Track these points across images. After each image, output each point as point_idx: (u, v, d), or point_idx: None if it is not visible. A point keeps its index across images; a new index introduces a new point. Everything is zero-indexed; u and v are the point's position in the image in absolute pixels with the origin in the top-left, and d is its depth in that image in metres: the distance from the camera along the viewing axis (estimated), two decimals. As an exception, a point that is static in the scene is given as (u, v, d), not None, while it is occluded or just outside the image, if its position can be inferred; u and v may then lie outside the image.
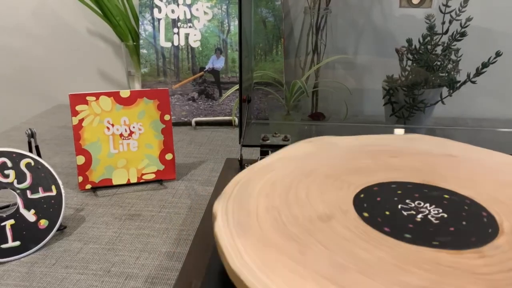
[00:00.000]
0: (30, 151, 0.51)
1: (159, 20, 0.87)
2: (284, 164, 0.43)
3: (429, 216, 0.34)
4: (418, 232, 0.32)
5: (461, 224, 0.33)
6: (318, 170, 0.42)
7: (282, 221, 0.33)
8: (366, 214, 0.34)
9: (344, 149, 0.47)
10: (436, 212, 0.35)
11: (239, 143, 0.59)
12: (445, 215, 0.35)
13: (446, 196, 0.38)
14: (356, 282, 0.26)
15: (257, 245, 0.30)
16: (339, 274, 0.27)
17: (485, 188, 0.39)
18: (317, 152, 0.46)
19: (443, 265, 0.28)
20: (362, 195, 0.37)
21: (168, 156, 0.62)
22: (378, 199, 0.36)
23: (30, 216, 0.47)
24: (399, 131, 0.53)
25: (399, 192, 0.38)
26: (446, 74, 0.76)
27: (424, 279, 0.26)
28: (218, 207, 0.35)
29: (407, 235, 0.31)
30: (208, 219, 0.44)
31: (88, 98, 0.58)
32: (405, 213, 0.34)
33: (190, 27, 0.87)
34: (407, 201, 0.36)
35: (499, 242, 0.31)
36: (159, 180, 0.62)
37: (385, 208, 0.35)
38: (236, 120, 0.86)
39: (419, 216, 0.34)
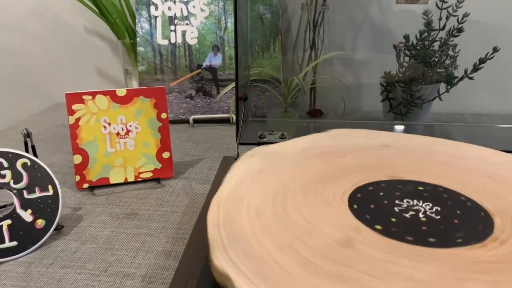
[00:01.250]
0: (27, 151, 0.51)
1: (155, 17, 0.87)
2: (248, 188, 0.39)
3: (428, 214, 0.34)
4: (436, 232, 0.32)
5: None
6: (287, 187, 0.39)
7: (306, 259, 0.29)
8: (379, 227, 0.32)
9: (290, 158, 0.45)
10: (431, 208, 0.35)
11: (236, 141, 0.59)
12: (440, 212, 0.35)
13: (429, 189, 0.38)
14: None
15: None
16: None
17: (453, 173, 0.40)
18: (267, 166, 0.43)
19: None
20: (355, 206, 0.36)
21: (165, 155, 0.62)
22: (372, 206, 0.36)
23: (27, 216, 0.47)
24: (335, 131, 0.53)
25: (382, 193, 0.38)
26: (444, 70, 0.76)
27: (485, 283, 0.26)
28: (225, 266, 0.28)
29: (431, 239, 0.31)
30: (204, 219, 0.44)
31: (84, 97, 0.58)
32: (408, 215, 0.34)
33: (187, 24, 0.87)
34: (397, 201, 0.36)
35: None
36: (156, 179, 0.62)
37: (387, 215, 0.34)
38: (234, 117, 0.86)
39: (421, 215, 0.34)
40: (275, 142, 0.56)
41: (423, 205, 0.36)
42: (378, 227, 0.33)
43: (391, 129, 0.80)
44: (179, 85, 0.88)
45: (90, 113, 0.58)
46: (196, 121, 0.87)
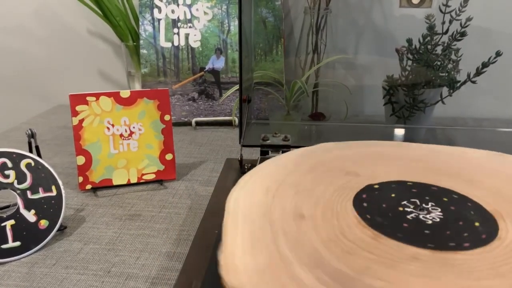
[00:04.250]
0: (30, 151, 0.51)
1: (159, 20, 0.87)
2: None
3: (433, 216, 0.34)
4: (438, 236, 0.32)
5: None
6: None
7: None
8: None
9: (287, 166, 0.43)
10: (435, 212, 0.35)
11: (239, 143, 0.59)
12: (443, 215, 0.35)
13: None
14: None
15: None
16: None
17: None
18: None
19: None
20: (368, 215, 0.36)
21: (168, 156, 0.62)
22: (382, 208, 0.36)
23: (30, 216, 0.47)
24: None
25: (385, 205, 0.38)
26: (446, 74, 0.76)
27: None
28: None
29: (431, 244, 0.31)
30: (208, 219, 0.44)
31: (88, 98, 0.58)
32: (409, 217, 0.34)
33: (190, 27, 0.87)
34: (400, 207, 0.36)
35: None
36: (159, 180, 0.62)
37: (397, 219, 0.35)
38: (236, 120, 0.86)
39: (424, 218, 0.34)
40: (279, 144, 0.56)
41: (428, 207, 0.36)
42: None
43: (393, 133, 0.80)
44: (182, 88, 0.88)
45: (93, 114, 0.58)
46: (199, 123, 0.87)
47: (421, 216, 0.34)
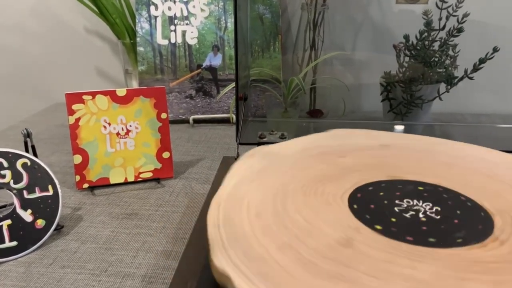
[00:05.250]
0: (27, 151, 0.51)
1: (155, 17, 0.87)
2: (248, 188, 0.39)
3: (428, 213, 0.34)
4: (436, 232, 0.32)
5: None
6: (287, 187, 0.39)
7: (306, 259, 0.29)
8: (379, 227, 0.32)
9: (290, 158, 0.45)
10: (431, 208, 0.35)
11: (236, 141, 0.59)
12: (440, 211, 0.35)
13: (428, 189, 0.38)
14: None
15: None
16: None
17: (453, 173, 0.40)
18: (267, 166, 0.43)
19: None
20: (355, 206, 0.36)
21: (165, 155, 0.62)
22: (372, 206, 0.36)
23: (27, 216, 0.47)
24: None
25: (382, 193, 0.38)
26: (444, 70, 0.76)
27: (485, 283, 0.26)
28: (225, 266, 0.28)
29: (431, 239, 0.31)
30: (204, 219, 0.44)
31: (84, 97, 0.58)
32: (408, 215, 0.34)
33: (187, 24, 0.87)
34: (397, 201, 0.36)
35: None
36: (156, 179, 0.62)
37: (387, 215, 0.34)
38: (234, 117, 0.86)
39: (421, 215, 0.34)
40: (275, 142, 0.56)
41: (423, 205, 0.36)
42: (378, 227, 0.33)
43: (391, 129, 0.80)
44: (179, 85, 0.88)
45: (90, 113, 0.58)
46: (196, 121, 0.87)
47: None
